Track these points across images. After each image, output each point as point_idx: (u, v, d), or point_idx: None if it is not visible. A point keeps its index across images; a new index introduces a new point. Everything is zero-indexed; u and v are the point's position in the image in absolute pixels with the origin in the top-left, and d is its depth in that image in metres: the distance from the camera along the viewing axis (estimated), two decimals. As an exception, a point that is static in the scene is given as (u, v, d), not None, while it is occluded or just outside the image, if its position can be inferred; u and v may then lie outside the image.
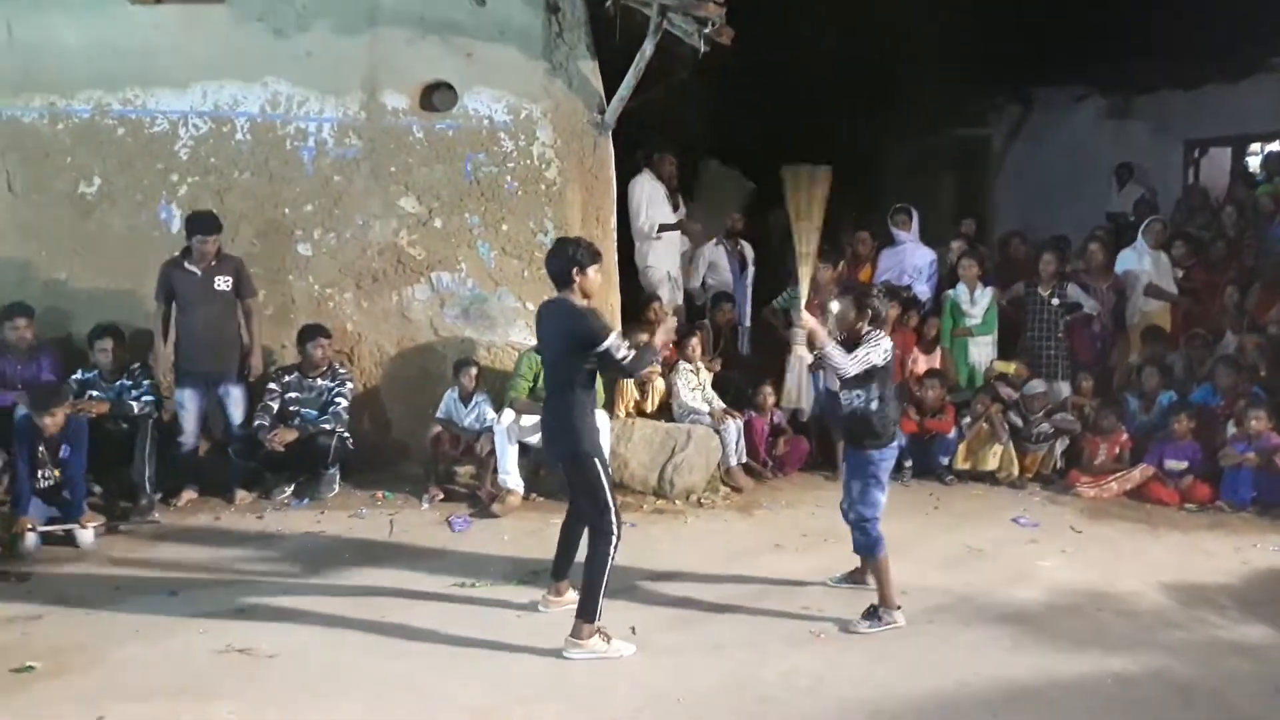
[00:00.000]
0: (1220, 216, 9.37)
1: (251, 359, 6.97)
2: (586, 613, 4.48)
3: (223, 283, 6.85)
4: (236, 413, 6.99)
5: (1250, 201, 9.52)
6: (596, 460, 4.59)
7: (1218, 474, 7.19)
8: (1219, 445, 7.26)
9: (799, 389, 5.30)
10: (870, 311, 4.98)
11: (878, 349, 4.91)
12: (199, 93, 7.36)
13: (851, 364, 4.85)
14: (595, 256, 4.68)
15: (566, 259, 4.61)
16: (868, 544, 4.95)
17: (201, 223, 6.80)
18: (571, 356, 4.59)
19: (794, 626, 4.89)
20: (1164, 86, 11.37)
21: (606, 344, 4.48)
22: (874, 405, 4.92)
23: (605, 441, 6.69)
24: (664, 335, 5.02)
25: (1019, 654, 4.64)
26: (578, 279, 4.60)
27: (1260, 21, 9.50)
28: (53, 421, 5.99)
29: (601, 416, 6.76)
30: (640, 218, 8.25)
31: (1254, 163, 11.24)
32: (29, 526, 5.81)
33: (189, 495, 6.87)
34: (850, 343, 4.94)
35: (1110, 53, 10.62)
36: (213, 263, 6.83)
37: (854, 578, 5.34)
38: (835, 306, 5.04)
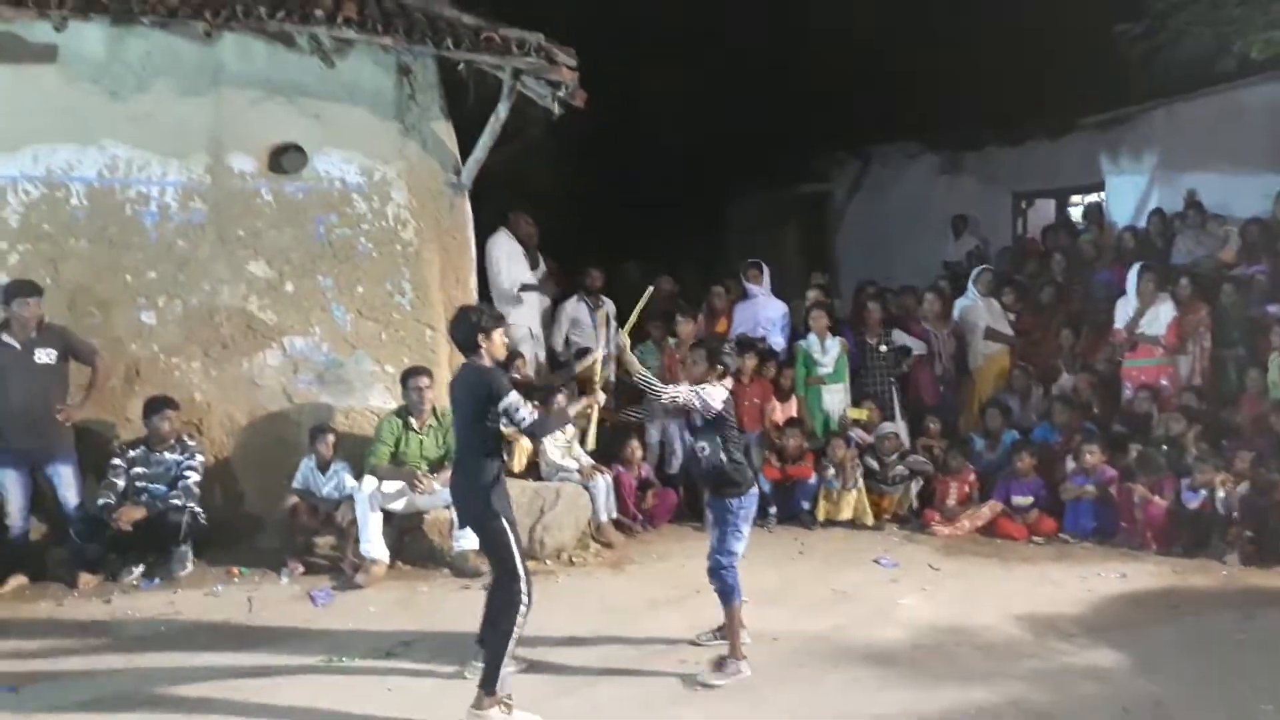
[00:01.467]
0: (1049, 263, 9.97)
1: (73, 411, 6.60)
2: (488, 683, 4.42)
3: (45, 355, 6.51)
4: (69, 494, 6.60)
5: (1074, 249, 10.18)
6: (505, 522, 4.60)
7: (1060, 507, 7.58)
8: (1060, 480, 7.67)
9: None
10: (720, 366, 5.14)
11: (704, 393, 5.01)
12: (29, 156, 7.01)
13: (668, 394, 5.04)
14: (498, 320, 4.81)
15: (471, 325, 4.72)
16: (724, 590, 5.01)
17: (19, 287, 6.49)
18: (480, 418, 4.62)
19: (673, 682, 4.89)
20: (991, 143, 12.10)
21: (505, 402, 4.54)
22: (722, 456, 5.05)
23: None
24: (576, 408, 5.16)
25: (886, 693, 4.77)
26: (484, 344, 4.70)
27: (1073, 86, 10.28)
28: None
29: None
30: (500, 277, 8.24)
31: (1075, 213, 12.03)
32: None
33: (17, 581, 6.42)
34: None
35: (942, 113, 11.27)
36: (33, 334, 6.49)
37: (723, 633, 5.36)
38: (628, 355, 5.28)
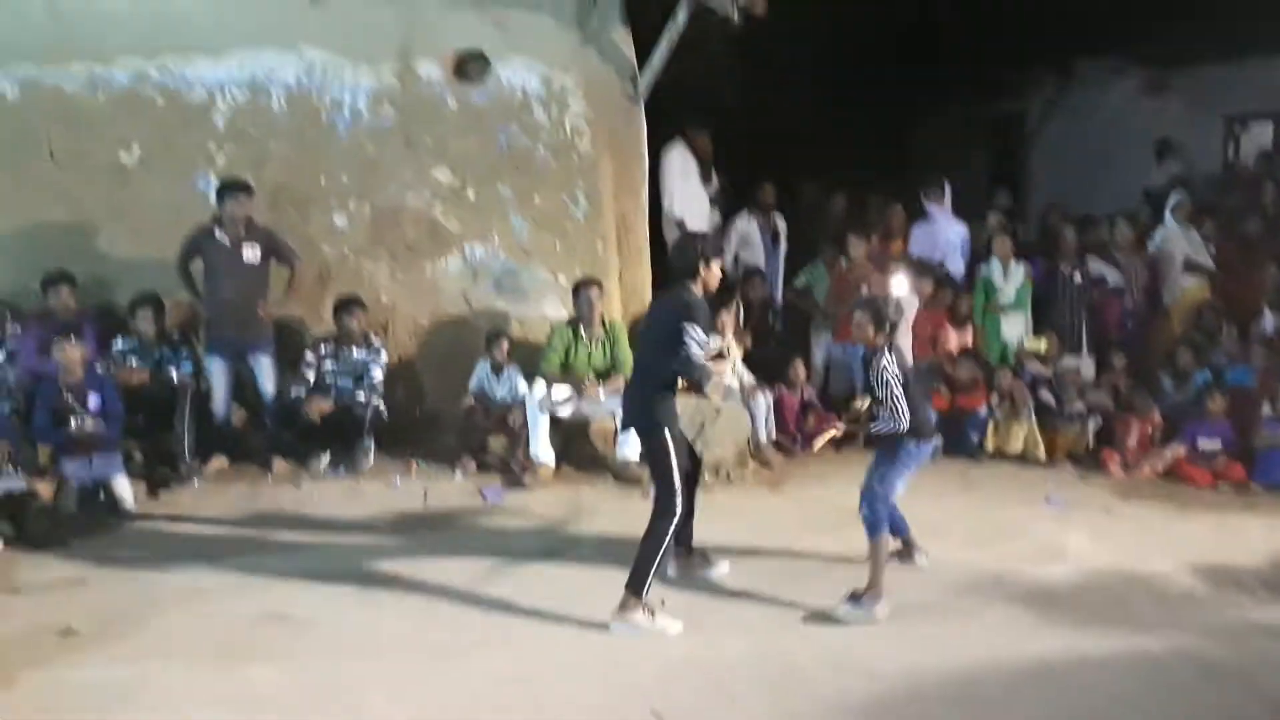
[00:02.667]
0: (1260, 193, 9.23)
1: (274, 308, 7.02)
2: (635, 587, 4.55)
3: (251, 252, 6.90)
4: (267, 384, 7.07)
5: (1290, 178, 9.38)
6: (667, 431, 4.67)
7: (1252, 455, 7.14)
8: (1253, 426, 7.21)
9: None
10: (886, 327, 4.87)
11: (887, 380, 4.76)
12: (236, 61, 7.40)
13: (899, 419, 4.75)
14: (719, 252, 4.98)
15: (693, 253, 4.77)
16: (872, 521, 4.83)
17: (233, 185, 6.89)
18: (672, 339, 4.63)
19: (823, 601, 4.89)
20: (1203, 59, 11.15)
21: (691, 327, 4.56)
22: (899, 423, 4.77)
23: None
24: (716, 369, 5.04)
25: (1047, 632, 4.65)
26: (702, 272, 4.75)
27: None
28: (68, 358, 6.13)
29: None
30: (672, 192, 8.19)
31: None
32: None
33: (219, 464, 6.94)
34: (865, 358, 4.91)
35: (1148, 23, 10.43)
36: (242, 232, 6.89)
37: (899, 557, 5.31)
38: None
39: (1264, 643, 4.61)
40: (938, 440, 5.10)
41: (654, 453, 4.73)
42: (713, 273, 4.79)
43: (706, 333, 4.67)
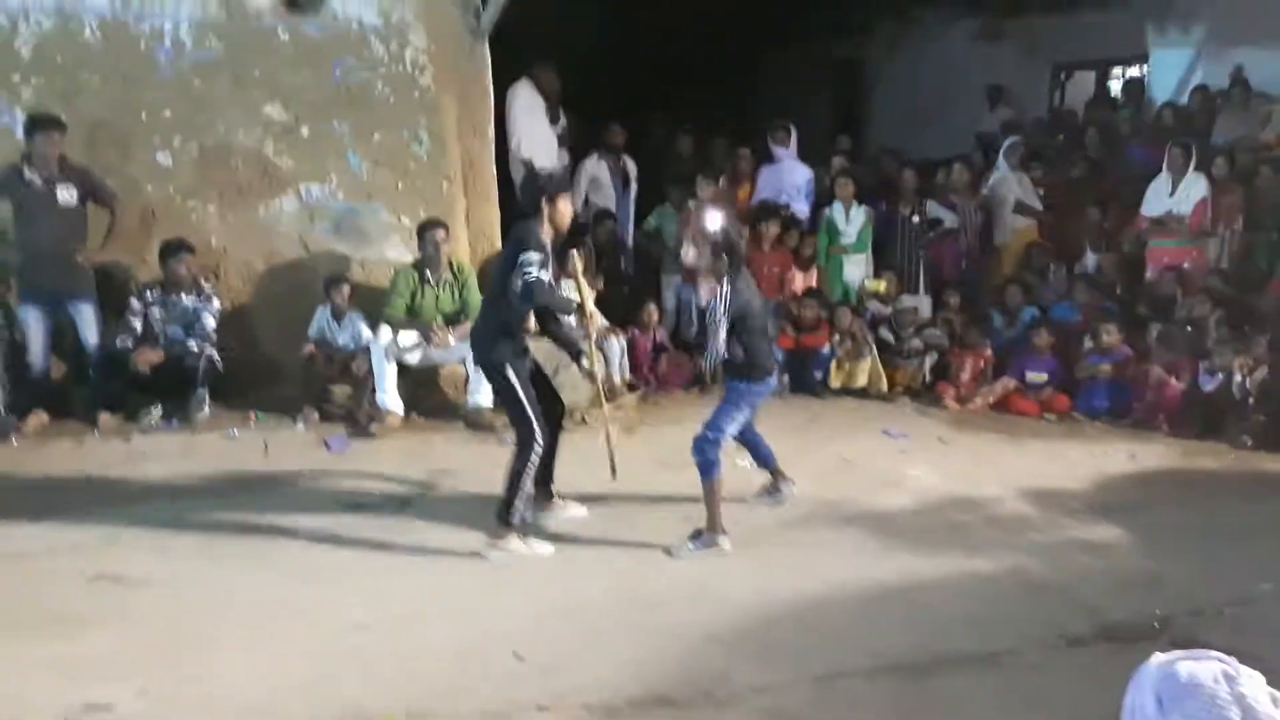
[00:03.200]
0: (1083, 138, 9.69)
1: (94, 253, 6.64)
2: (504, 515, 4.66)
3: (66, 194, 6.48)
4: (90, 333, 6.66)
5: (1111, 124, 9.88)
6: (509, 369, 4.73)
7: (1076, 386, 7.55)
8: (1077, 359, 7.62)
9: None
10: (728, 253, 4.82)
11: (723, 300, 4.73)
12: (40, -15, 6.84)
13: (720, 340, 4.76)
14: (564, 187, 4.95)
15: (536, 189, 4.80)
16: (703, 464, 4.84)
17: (42, 121, 6.43)
18: (509, 271, 4.66)
19: (677, 538, 4.95)
20: (1034, 9, 11.61)
21: (524, 255, 4.55)
22: (739, 352, 4.83)
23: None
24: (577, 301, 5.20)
25: (888, 557, 4.84)
26: (546, 208, 4.73)
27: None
28: None
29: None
30: (516, 132, 8.02)
31: (1115, 87, 11.63)
32: None
33: (39, 419, 6.52)
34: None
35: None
36: (55, 171, 6.44)
37: (769, 491, 5.43)
38: (690, 253, 4.98)
39: (1085, 559, 4.91)
40: (774, 380, 5.17)
41: (500, 390, 4.85)
42: (559, 209, 4.76)
43: (546, 263, 4.63)
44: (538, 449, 4.69)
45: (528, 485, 4.71)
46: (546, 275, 4.67)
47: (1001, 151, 9.09)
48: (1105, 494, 5.87)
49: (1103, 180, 9.17)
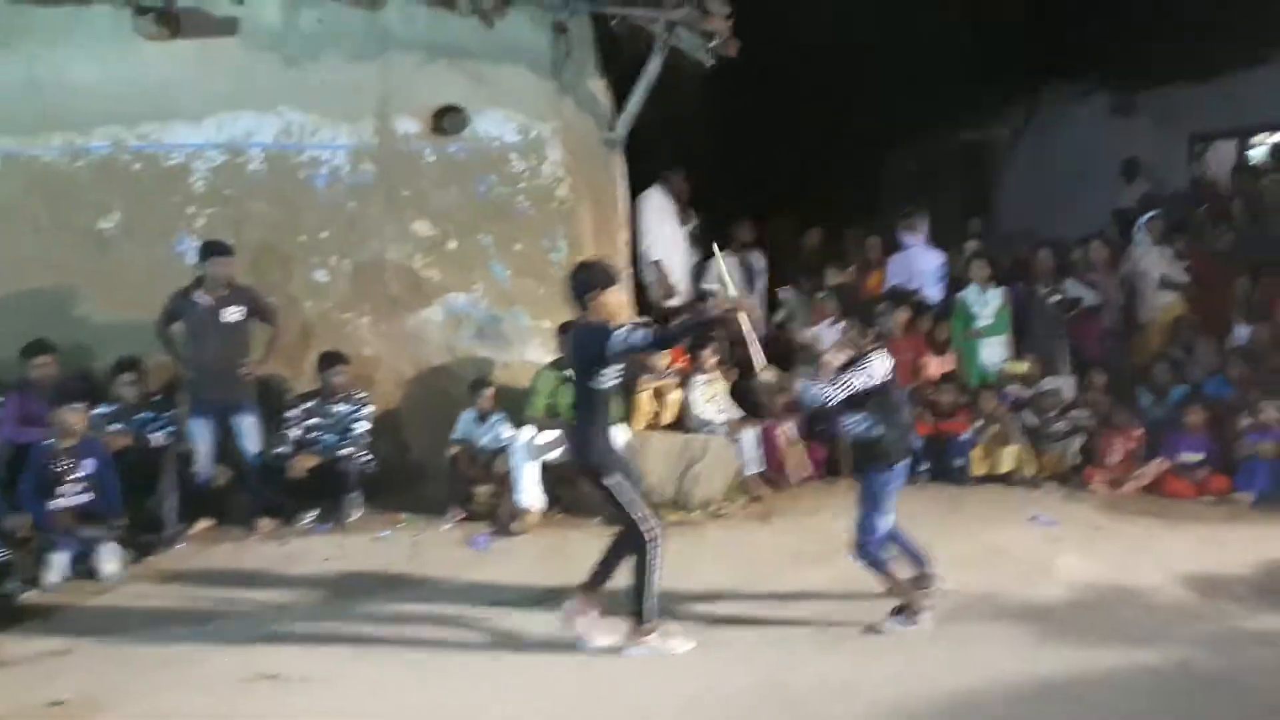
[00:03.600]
0: (1228, 208, 9.39)
1: (256, 367, 7.04)
2: (641, 614, 4.68)
3: (233, 314, 6.93)
4: (250, 443, 7.04)
5: (1255, 192, 9.54)
6: (611, 473, 4.73)
7: (1233, 465, 7.21)
8: (1233, 437, 7.29)
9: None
10: (874, 330, 5.06)
11: (862, 372, 4.86)
12: (213, 125, 7.48)
13: (834, 390, 4.85)
14: (610, 279, 4.78)
15: (581, 281, 4.76)
16: (872, 563, 4.97)
17: (215, 247, 6.93)
18: (588, 371, 4.70)
19: (821, 633, 4.93)
20: (1168, 79, 11.35)
21: (615, 337, 4.54)
22: (873, 431, 4.91)
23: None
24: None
25: (1045, 650, 4.68)
26: (590, 302, 4.72)
27: (1261, 12, 9.53)
28: (68, 422, 6.14)
29: (618, 429, 6.84)
30: (648, 236, 8.27)
31: (1257, 154, 11.24)
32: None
33: (204, 525, 6.90)
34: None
35: (1115, 47, 10.62)
36: (224, 293, 6.92)
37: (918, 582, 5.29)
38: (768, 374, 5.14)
39: (1257, 650, 4.65)
40: (907, 460, 5.12)
41: (606, 493, 4.75)
42: (602, 303, 4.70)
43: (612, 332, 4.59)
44: (656, 541, 4.66)
45: (656, 580, 4.67)
46: (646, 329, 4.67)
47: (1142, 225, 8.87)
48: (1273, 579, 5.55)
49: (1250, 250, 8.83)
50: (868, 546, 4.96)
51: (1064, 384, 8.17)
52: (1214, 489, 7.17)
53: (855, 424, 4.95)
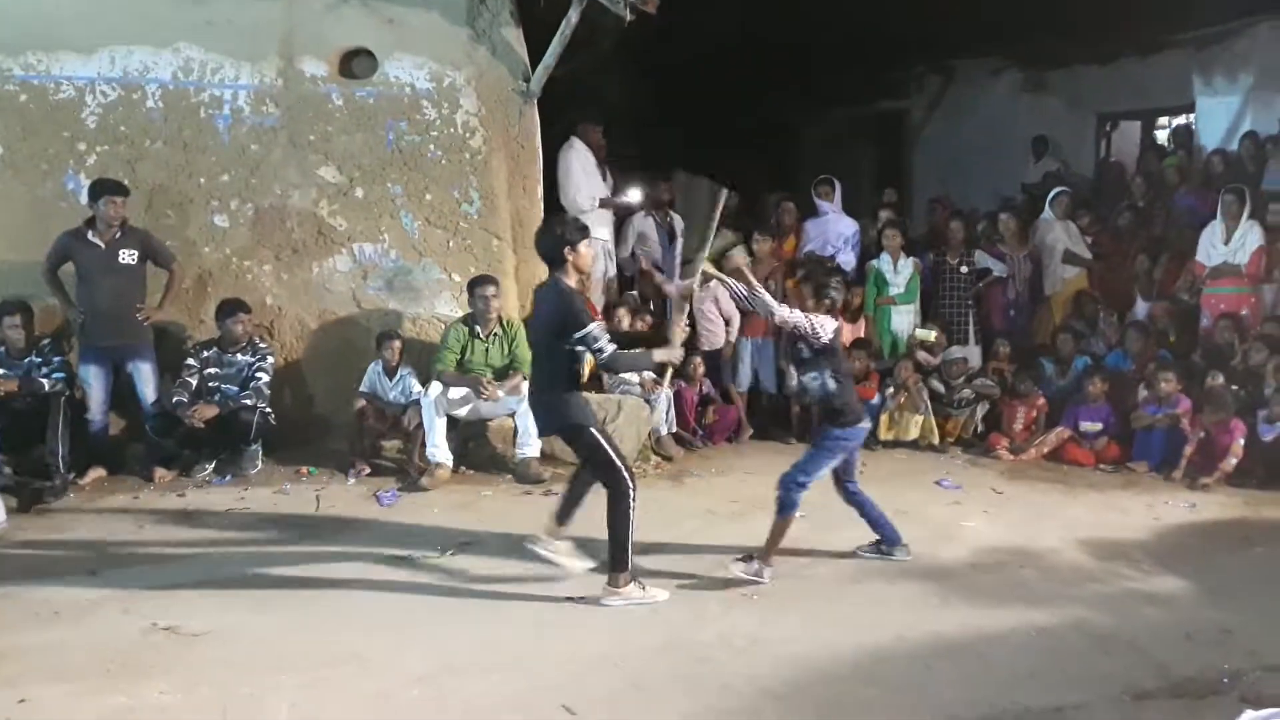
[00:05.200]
0: (1130, 187, 9.64)
1: (153, 312, 6.80)
2: (618, 564, 4.68)
3: (128, 255, 6.67)
4: (148, 390, 6.80)
5: (1158, 173, 9.82)
6: (591, 429, 4.76)
7: (1130, 435, 7.42)
8: (1131, 408, 7.50)
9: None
10: (827, 300, 5.20)
11: (816, 321, 5.01)
12: (107, 58, 7.11)
13: (780, 314, 4.97)
14: (584, 232, 4.76)
15: (556, 237, 4.70)
16: (784, 502, 5.02)
17: (107, 185, 6.63)
18: (557, 339, 4.69)
19: (728, 590, 4.92)
20: (1078, 61, 11.61)
21: (583, 333, 4.59)
22: (831, 386, 5.04)
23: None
24: (665, 356, 5.06)
25: (948, 610, 4.75)
26: (570, 257, 4.69)
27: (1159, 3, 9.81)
28: None
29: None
30: (576, 189, 8.09)
31: (1162, 135, 11.57)
32: None
33: (96, 474, 6.65)
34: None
35: (1027, 28, 10.82)
36: (118, 234, 6.63)
37: (877, 548, 5.40)
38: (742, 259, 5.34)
39: (1150, 611, 4.78)
40: (866, 425, 5.25)
41: (588, 450, 4.80)
42: (581, 255, 4.74)
43: (604, 328, 4.72)
44: (633, 493, 4.70)
45: (632, 531, 4.71)
46: (612, 344, 4.68)
47: (1048, 202, 9.06)
48: (1167, 545, 5.74)
49: (1151, 228, 9.09)
50: (795, 487, 5.02)
51: (970, 353, 8.33)
52: (1111, 457, 7.38)
53: (813, 380, 5.07)
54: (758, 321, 7.62)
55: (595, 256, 7.76)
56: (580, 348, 4.73)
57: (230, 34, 7.14)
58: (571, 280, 4.76)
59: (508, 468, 6.89)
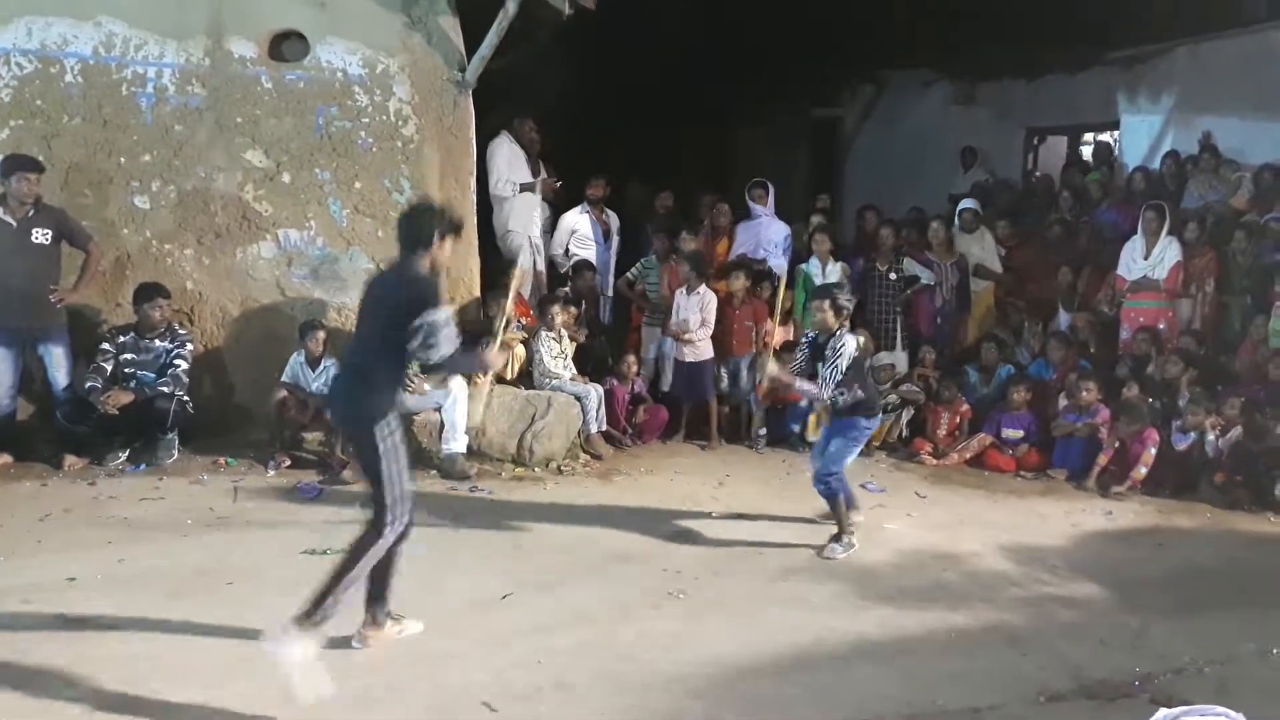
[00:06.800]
0: (1058, 201, 9.85)
1: (67, 293, 6.56)
2: (311, 605, 3.78)
3: (41, 235, 6.45)
4: (59, 374, 6.57)
5: (1082, 187, 10.04)
6: (380, 432, 3.92)
7: (1051, 443, 7.56)
8: (1052, 416, 7.64)
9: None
10: (843, 313, 5.55)
11: (843, 356, 5.41)
12: (22, 29, 6.85)
13: (829, 389, 5.43)
14: (456, 227, 4.14)
15: (424, 225, 4.05)
16: (829, 493, 5.54)
17: (19, 161, 6.40)
18: (396, 323, 3.92)
19: (653, 589, 4.91)
20: (1007, 75, 11.84)
21: (433, 315, 3.85)
22: (860, 395, 5.51)
23: (461, 410, 6.57)
24: (487, 364, 4.52)
25: (870, 610, 4.79)
26: (435, 244, 4.03)
27: (1095, 20, 10.06)
28: None
29: (458, 382, 6.64)
30: (498, 180, 8.03)
31: (1088, 151, 11.85)
32: None
33: (3, 459, 6.42)
34: (823, 345, 5.50)
35: (958, 41, 11.02)
36: (30, 212, 6.41)
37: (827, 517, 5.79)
38: (773, 368, 5.69)
39: (1066, 615, 4.88)
40: (880, 417, 5.79)
41: (362, 452, 4.00)
42: (446, 249, 4.08)
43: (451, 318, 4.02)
44: (387, 537, 3.92)
45: (360, 577, 3.92)
46: (458, 338, 4.01)
47: (957, 214, 9.20)
48: (1083, 551, 5.86)
49: (1075, 242, 9.28)
50: (832, 480, 5.51)
51: (897, 358, 8.41)
52: (1032, 464, 7.51)
53: (840, 394, 5.47)
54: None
55: (521, 249, 7.70)
56: (419, 338, 3.87)
57: (156, 10, 6.93)
58: (422, 268, 4.05)
59: (433, 463, 6.77)
